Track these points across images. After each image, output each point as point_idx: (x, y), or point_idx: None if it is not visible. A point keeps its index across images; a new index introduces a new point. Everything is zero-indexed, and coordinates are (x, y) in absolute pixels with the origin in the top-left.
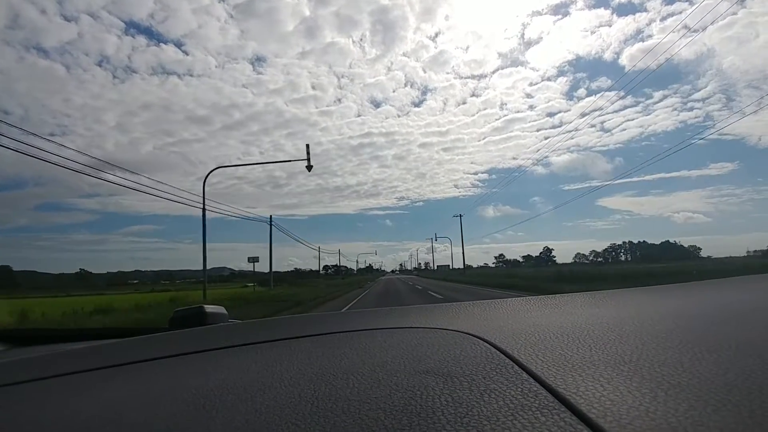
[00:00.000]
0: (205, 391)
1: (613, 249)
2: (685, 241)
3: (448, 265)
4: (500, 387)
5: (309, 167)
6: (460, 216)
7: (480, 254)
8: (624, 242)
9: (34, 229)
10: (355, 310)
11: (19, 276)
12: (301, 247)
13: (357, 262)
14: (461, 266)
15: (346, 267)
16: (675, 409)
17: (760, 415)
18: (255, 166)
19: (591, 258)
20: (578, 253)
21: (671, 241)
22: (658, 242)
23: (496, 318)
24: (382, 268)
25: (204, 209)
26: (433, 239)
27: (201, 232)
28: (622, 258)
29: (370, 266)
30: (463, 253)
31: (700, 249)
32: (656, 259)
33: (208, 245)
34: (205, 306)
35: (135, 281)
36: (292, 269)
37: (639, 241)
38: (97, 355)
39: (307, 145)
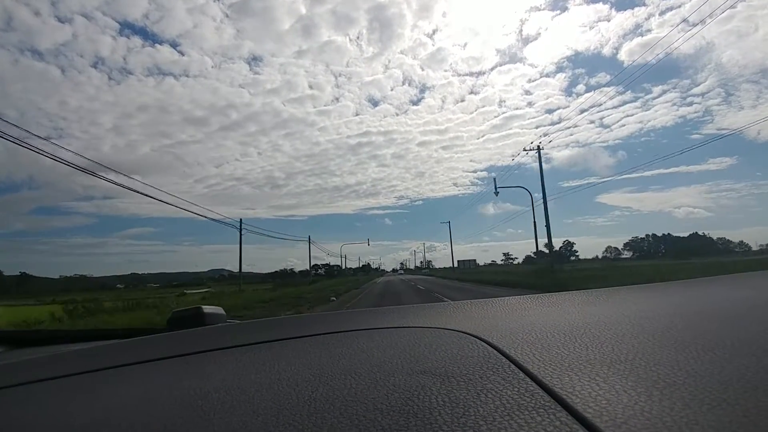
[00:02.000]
0: (203, 392)
1: (635, 242)
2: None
3: (474, 260)
4: (497, 387)
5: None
6: (539, 150)
7: (479, 252)
8: (647, 235)
9: (30, 233)
10: (352, 310)
11: (9, 280)
12: (299, 246)
13: (343, 258)
14: (463, 264)
15: (339, 266)
16: (670, 408)
17: (756, 414)
18: (253, 167)
19: (626, 252)
20: (609, 247)
21: (700, 233)
22: (686, 235)
23: (493, 317)
24: (381, 268)
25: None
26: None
27: (201, 234)
28: (640, 253)
29: (367, 265)
30: (548, 229)
31: (730, 242)
32: (695, 254)
33: (207, 246)
34: (203, 306)
35: (121, 286)
36: (288, 269)
37: (663, 234)
38: (96, 356)
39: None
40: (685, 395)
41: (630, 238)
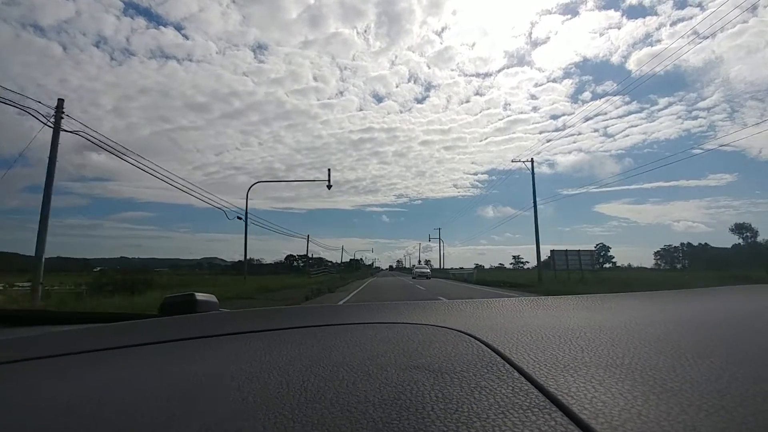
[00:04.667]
0: (193, 377)
1: (667, 252)
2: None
3: (595, 251)
4: (491, 384)
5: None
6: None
7: (475, 255)
8: (681, 244)
9: (23, 212)
10: (347, 304)
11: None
12: (297, 240)
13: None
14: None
15: (322, 259)
16: (667, 412)
17: (753, 421)
18: (253, 157)
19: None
20: (657, 252)
21: (743, 244)
22: (729, 246)
23: (488, 317)
24: (375, 265)
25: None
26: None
27: (198, 222)
28: (680, 264)
29: (356, 261)
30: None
31: None
32: (741, 266)
33: (203, 235)
34: (196, 294)
35: (99, 268)
36: (255, 260)
37: (700, 244)
38: (86, 337)
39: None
40: (683, 401)
41: (661, 248)
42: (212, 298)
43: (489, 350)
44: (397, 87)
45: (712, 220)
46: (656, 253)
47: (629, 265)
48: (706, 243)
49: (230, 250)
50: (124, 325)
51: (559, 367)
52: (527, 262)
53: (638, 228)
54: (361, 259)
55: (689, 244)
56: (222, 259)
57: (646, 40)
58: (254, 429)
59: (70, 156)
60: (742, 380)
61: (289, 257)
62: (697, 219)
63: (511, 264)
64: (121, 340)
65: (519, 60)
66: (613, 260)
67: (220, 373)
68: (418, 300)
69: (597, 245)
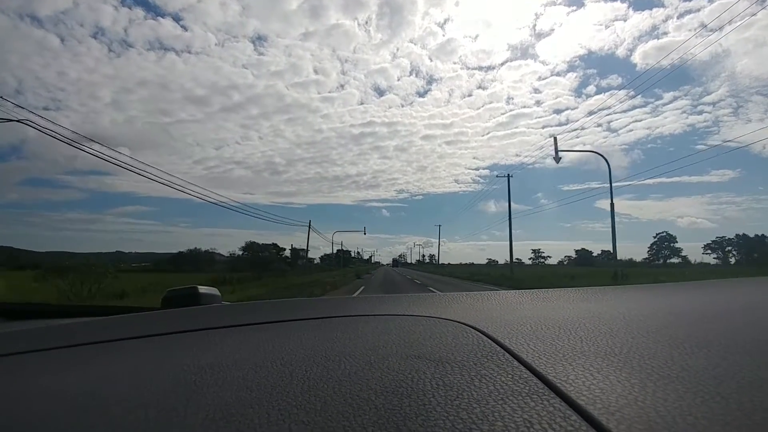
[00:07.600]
0: (197, 367)
1: (718, 244)
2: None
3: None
4: (491, 373)
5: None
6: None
7: (476, 251)
8: (737, 235)
9: (20, 206)
10: (348, 297)
11: None
12: (296, 234)
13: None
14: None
15: (298, 251)
16: (664, 399)
17: (750, 407)
18: (253, 151)
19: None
20: (709, 244)
21: None
22: None
23: (488, 309)
24: (374, 259)
25: None
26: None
27: (198, 216)
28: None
29: (345, 252)
30: None
31: None
32: None
33: (203, 230)
34: (199, 287)
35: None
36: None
37: (757, 235)
38: (89, 330)
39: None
40: (679, 388)
41: (712, 240)
42: (215, 291)
43: (489, 340)
44: (398, 80)
45: (714, 216)
46: (706, 246)
47: (685, 259)
48: (762, 235)
49: (231, 245)
50: (128, 318)
51: (558, 356)
52: (549, 257)
53: (639, 224)
54: (359, 251)
55: (744, 235)
56: (220, 254)
57: (653, 32)
58: (259, 416)
59: (71, 150)
60: (740, 368)
61: (251, 246)
62: (699, 215)
63: (530, 259)
64: (125, 332)
65: (522, 53)
66: (682, 253)
67: (224, 364)
68: (418, 293)
69: (658, 234)
